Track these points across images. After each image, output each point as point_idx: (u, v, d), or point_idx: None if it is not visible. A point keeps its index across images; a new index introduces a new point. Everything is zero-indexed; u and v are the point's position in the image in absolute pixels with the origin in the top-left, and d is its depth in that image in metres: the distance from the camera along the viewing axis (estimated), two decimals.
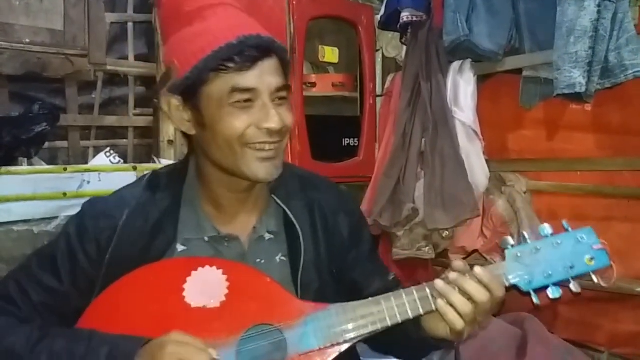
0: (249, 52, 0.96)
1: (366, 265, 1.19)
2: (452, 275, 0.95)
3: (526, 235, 1.00)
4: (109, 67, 2.18)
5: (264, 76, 0.98)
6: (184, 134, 1.09)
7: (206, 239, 1.08)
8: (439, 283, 0.95)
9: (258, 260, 1.09)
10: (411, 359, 1.20)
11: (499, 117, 2.19)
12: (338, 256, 1.16)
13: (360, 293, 1.13)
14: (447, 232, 2.15)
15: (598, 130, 1.92)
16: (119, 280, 1.01)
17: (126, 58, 2.28)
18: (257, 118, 0.99)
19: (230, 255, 1.07)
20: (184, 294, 0.97)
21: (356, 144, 2.47)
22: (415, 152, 2.15)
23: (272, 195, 1.13)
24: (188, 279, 0.98)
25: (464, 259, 2.20)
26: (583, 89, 1.64)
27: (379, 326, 0.95)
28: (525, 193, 2.10)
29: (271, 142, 1.01)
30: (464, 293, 0.93)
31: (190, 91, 0.99)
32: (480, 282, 0.93)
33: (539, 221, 2.05)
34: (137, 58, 2.31)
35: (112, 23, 2.24)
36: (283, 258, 1.11)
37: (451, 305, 0.93)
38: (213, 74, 0.96)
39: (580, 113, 1.93)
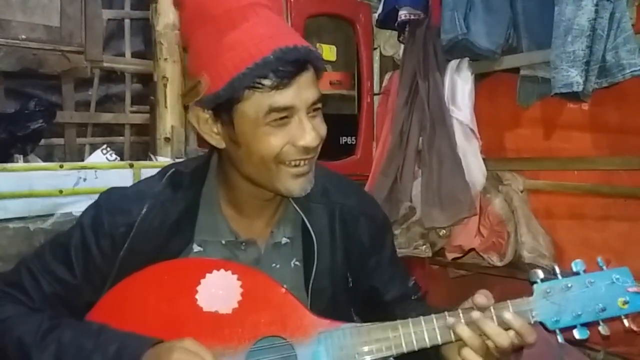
0: (286, 67, 0.90)
1: (386, 270, 1.16)
2: (475, 315, 0.90)
3: (557, 270, 0.95)
4: (105, 64, 2.18)
5: (301, 92, 0.93)
6: (210, 146, 1.05)
7: (223, 242, 1.06)
8: (459, 327, 0.90)
9: (273, 265, 1.07)
10: None
11: (496, 115, 2.19)
12: (356, 262, 1.13)
13: (379, 298, 1.12)
14: (444, 231, 2.15)
15: (595, 130, 1.92)
16: (131, 276, 0.99)
17: (123, 55, 2.28)
18: (294, 135, 0.94)
19: (246, 258, 1.05)
20: (197, 296, 0.94)
21: (353, 142, 2.47)
22: (413, 151, 2.15)
23: (291, 200, 1.10)
24: (202, 281, 0.95)
25: (460, 257, 2.20)
26: (580, 88, 1.64)
27: (393, 351, 0.92)
28: (522, 192, 2.10)
29: (306, 159, 0.98)
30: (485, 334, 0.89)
31: (223, 107, 0.95)
32: (510, 328, 0.90)
33: (536, 220, 2.06)
34: (134, 55, 2.31)
35: (109, 20, 2.24)
36: (297, 263, 1.09)
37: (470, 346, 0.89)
38: (248, 92, 0.91)
39: (578, 112, 1.94)
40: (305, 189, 1.00)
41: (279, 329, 0.93)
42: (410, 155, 2.16)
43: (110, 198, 1.08)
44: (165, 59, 2.08)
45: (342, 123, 2.46)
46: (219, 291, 0.95)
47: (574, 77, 1.64)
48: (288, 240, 1.10)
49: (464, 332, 0.89)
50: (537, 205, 2.10)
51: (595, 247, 1.91)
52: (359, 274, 1.13)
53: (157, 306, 0.95)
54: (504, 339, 0.89)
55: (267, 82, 0.90)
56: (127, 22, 2.26)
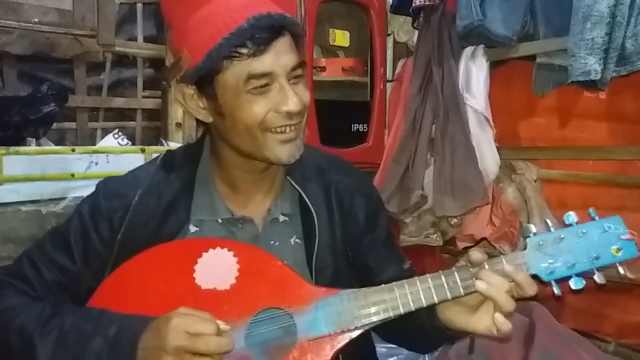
0: (261, 34, 0.92)
1: (381, 251, 1.17)
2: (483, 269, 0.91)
3: (549, 223, 0.95)
4: (117, 48, 2.17)
5: (279, 57, 0.95)
6: (199, 120, 1.06)
7: (219, 220, 1.07)
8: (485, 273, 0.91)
9: (272, 242, 1.08)
10: (421, 350, 1.19)
11: (511, 104, 2.17)
12: (353, 240, 1.14)
13: (373, 279, 1.12)
14: (456, 220, 2.14)
15: (612, 119, 1.89)
16: (130, 259, 1.00)
17: (135, 39, 2.27)
18: (276, 102, 0.96)
19: (244, 237, 1.06)
20: (195, 275, 0.96)
21: (365, 130, 2.45)
22: (425, 139, 2.14)
23: (287, 177, 1.11)
24: (199, 260, 0.97)
25: (471, 247, 2.19)
26: (598, 76, 1.61)
27: (391, 314, 0.93)
28: (535, 181, 2.08)
29: (292, 124, 0.99)
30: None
31: (205, 80, 0.97)
32: (511, 280, 0.91)
33: (549, 210, 2.04)
34: (146, 39, 2.29)
35: (121, 3, 2.23)
36: (298, 241, 1.10)
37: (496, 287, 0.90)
38: (227, 62, 0.93)
39: (594, 101, 1.91)
40: (293, 155, 1.01)
41: (277, 300, 0.94)
42: (423, 143, 2.14)
43: (106, 185, 1.11)
44: None
45: (354, 110, 2.45)
46: (216, 269, 0.96)
47: (592, 64, 1.61)
48: (286, 218, 1.11)
49: (492, 278, 0.90)
50: (550, 195, 2.08)
51: None
52: (356, 251, 1.14)
53: (156, 287, 0.97)
54: (528, 284, 0.90)
55: (244, 50, 0.92)
56: (139, 6, 2.24)
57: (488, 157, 2.04)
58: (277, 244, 1.08)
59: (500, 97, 2.15)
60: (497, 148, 2.07)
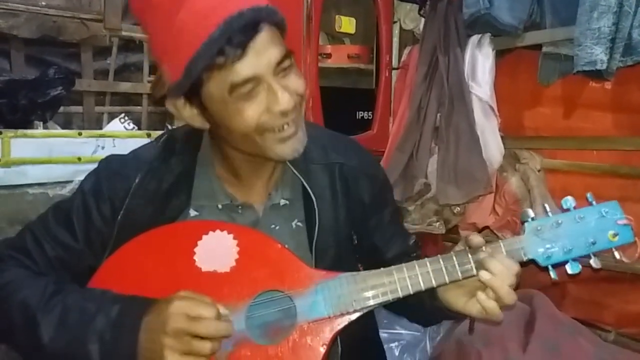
0: (236, 37, 0.87)
1: (387, 229, 1.17)
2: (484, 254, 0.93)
3: (547, 208, 0.97)
4: (124, 33, 2.16)
5: (259, 57, 0.89)
6: None
7: (219, 206, 1.07)
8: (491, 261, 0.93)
9: (272, 226, 1.08)
10: (423, 323, 1.23)
11: (516, 93, 2.16)
12: (359, 221, 1.14)
13: (381, 257, 1.14)
14: (459, 208, 2.14)
15: (617, 109, 1.89)
16: (130, 241, 1.01)
17: None
18: (267, 103, 0.92)
19: (244, 222, 1.06)
20: (195, 257, 0.97)
21: (370, 117, 2.45)
22: (430, 127, 2.14)
23: (288, 163, 1.09)
24: (199, 242, 0.97)
25: None
26: (604, 66, 1.61)
27: (389, 297, 0.94)
28: (539, 171, 2.08)
29: (288, 121, 0.95)
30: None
31: (191, 93, 0.94)
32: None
33: (552, 200, 2.04)
34: None
35: None
36: (299, 224, 1.10)
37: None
38: (207, 74, 0.90)
39: (600, 91, 1.90)
40: (296, 150, 0.99)
41: (277, 283, 0.95)
42: (427, 131, 2.14)
43: (108, 164, 1.10)
44: None
45: (359, 97, 2.44)
46: (216, 251, 0.96)
47: (598, 54, 1.61)
48: (287, 202, 1.10)
49: (495, 266, 0.92)
50: (554, 184, 2.08)
51: None
52: (361, 232, 1.15)
53: (156, 269, 0.97)
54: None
55: (221, 59, 0.88)
56: None
57: (492, 146, 2.04)
58: (277, 227, 1.08)
59: (505, 86, 2.15)
60: (502, 137, 2.07)
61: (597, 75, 1.68)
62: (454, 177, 2.03)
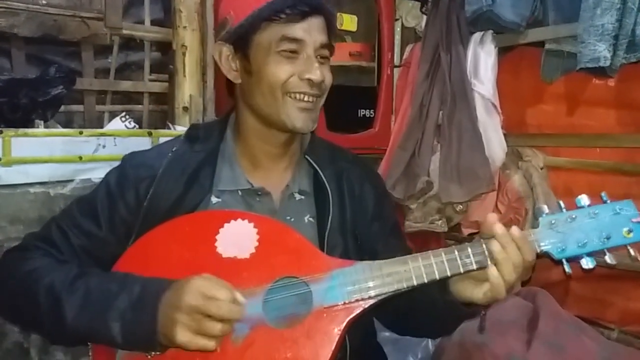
0: (301, 6, 1.04)
1: (390, 240, 1.20)
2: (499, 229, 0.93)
3: (562, 205, 0.97)
4: (124, 32, 2.16)
5: (311, 31, 1.06)
6: (228, 90, 1.18)
7: (239, 192, 1.12)
8: (492, 244, 0.93)
9: (288, 217, 1.12)
10: (435, 333, 1.24)
11: (519, 90, 2.15)
12: (362, 224, 1.18)
13: None
14: (461, 206, 2.14)
15: (621, 106, 1.88)
16: (154, 228, 1.04)
17: (142, 22, 2.26)
18: (300, 69, 1.06)
19: (262, 210, 1.11)
20: (216, 244, 1.00)
21: (372, 115, 2.44)
22: (432, 125, 2.13)
23: (306, 156, 1.18)
24: (220, 230, 1.01)
25: (476, 233, 2.19)
26: (607, 63, 1.60)
27: (404, 285, 0.95)
28: (542, 169, 2.08)
29: (311, 94, 1.08)
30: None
31: (242, 39, 1.07)
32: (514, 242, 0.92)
33: (555, 197, 2.03)
34: (153, 23, 2.28)
35: None
36: (311, 219, 1.14)
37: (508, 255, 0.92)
38: (265, 23, 1.05)
39: (603, 88, 1.89)
40: (308, 126, 1.10)
41: (295, 269, 0.98)
42: (430, 129, 2.13)
43: (133, 156, 1.18)
44: (185, 27, 2.07)
45: (361, 95, 2.43)
46: (236, 239, 1.00)
47: (601, 51, 1.60)
48: (302, 197, 1.16)
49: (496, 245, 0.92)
50: (557, 182, 2.07)
51: None
52: (364, 235, 1.18)
53: (179, 255, 1.01)
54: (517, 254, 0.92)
55: (282, 15, 1.04)
56: None
57: (495, 144, 2.03)
58: (292, 219, 1.12)
59: (508, 84, 2.14)
60: (504, 135, 2.07)
61: (601, 72, 1.67)
62: (456, 175, 2.03)
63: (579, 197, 0.97)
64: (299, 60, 1.06)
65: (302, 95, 1.07)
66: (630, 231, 0.95)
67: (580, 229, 0.95)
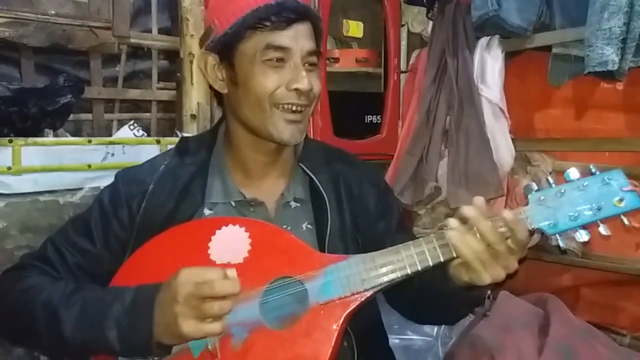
0: (286, 13, 1.02)
1: (397, 236, 1.18)
2: (468, 211, 0.92)
3: (550, 180, 0.97)
4: (132, 40, 2.18)
5: (297, 38, 1.03)
6: (217, 99, 1.16)
7: (232, 203, 1.12)
8: (452, 222, 0.93)
9: (284, 226, 1.11)
10: (450, 320, 1.26)
11: (527, 95, 2.15)
12: (365, 226, 1.17)
13: None
14: None
15: (629, 110, 1.87)
16: (148, 242, 1.05)
17: (150, 31, 2.27)
18: (287, 78, 1.03)
19: (256, 219, 1.09)
20: (209, 251, 1.01)
21: (379, 121, 2.44)
22: (440, 130, 2.12)
23: (300, 164, 1.16)
24: (212, 237, 1.02)
25: None
26: (616, 67, 1.59)
27: (398, 274, 0.95)
28: (551, 173, 2.06)
29: (299, 104, 1.05)
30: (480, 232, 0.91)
31: (227, 48, 1.05)
32: (503, 223, 0.91)
33: None
34: (161, 31, 2.30)
35: None
36: (309, 226, 1.13)
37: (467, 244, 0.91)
38: (250, 32, 1.03)
39: (611, 92, 1.88)
40: (296, 138, 1.08)
41: (289, 269, 0.98)
42: (437, 134, 2.13)
43: (125, 173, 1.18)
44: (192, 36, 2.08)
45: (367, 101, 2.43)
46: (229, 244, 1.01)
47: (609, 55, 1.59)
48: (298, 204, 1.15)
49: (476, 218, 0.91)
50: None
51: (624, 230, 1.87)
52: (369, 239, 1.16)
53: (173, 265, 1.00)
54: (498, 235, 0.91)
55: (267, 23, 1.02)
56: None
57: (503, 149, 2.02)
58: (289, 228, 1.11)
59: (515, 88, 2.13)
60: (512, 139, 2.06)
61: (609, 76, 1.66)
62: (464, 180, 2.02)
63: (568, 170, 0.96)
64: (286, 69, 1.04)
65: (290, 106, 1.05)
66: (621, 200, 0.93)
67: (570, 202, 0.94)
